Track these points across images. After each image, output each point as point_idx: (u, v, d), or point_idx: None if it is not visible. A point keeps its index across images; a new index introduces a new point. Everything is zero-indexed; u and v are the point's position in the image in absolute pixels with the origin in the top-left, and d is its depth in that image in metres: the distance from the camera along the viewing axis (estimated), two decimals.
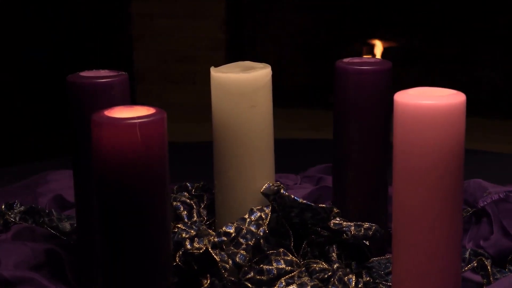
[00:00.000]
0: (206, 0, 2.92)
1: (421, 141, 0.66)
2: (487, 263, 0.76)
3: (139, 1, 2.98)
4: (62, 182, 1.01)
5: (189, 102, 2.97)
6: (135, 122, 0.60)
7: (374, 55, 2.94)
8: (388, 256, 0.81)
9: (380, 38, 2.94)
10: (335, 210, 0.73)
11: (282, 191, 0.72)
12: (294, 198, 0.72)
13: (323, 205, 0.72)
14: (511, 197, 0.85)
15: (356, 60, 0.83)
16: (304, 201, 0.72)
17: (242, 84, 0.70)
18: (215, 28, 2.94)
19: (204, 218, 0.78)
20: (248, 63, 0.74)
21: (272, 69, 0.73)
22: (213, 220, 0.78)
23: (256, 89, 0.70)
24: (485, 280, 0.76)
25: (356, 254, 0.76)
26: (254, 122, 0.71)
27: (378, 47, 2.92)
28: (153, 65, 3.00)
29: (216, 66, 0.73)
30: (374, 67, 0.80)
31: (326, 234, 0.75)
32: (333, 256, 0.74)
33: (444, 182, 0.66)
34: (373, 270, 0.77)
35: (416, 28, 2.93)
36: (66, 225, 0.86)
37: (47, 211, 0.88)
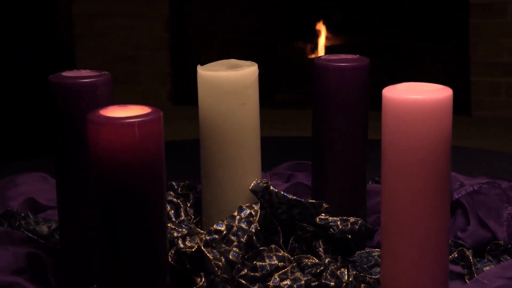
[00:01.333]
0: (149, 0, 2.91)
1: (410, 135, 0.67)
2: (469, 253, 0.78)
3: (81, 1, 2.94)
4: (32, 185, 0.99)
5: (134, 103, 2.95)
6: (134, 121, 0.60)
7: (317, 53, 2.97)
8: (368, 250, 0.83)
9: (323, 36, 2.97)
10: (325, 205, 0.74)
11: (271, 187, 0.72)
12: (283, 194, 0.72)
13: (313, 201, 0.73)
14: (483, 189, 0.87)
15: (333, 57, 0.84)
16: (294, 197, 0.72)
17: (232, 82, 0.70)
18: (158, 27, 2.92)
19: (191, 217, 0.77)
20: (233, 61, 0.74)
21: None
22: (199, 218, 0.78)
23: (245, 86, 0.70)
24: (466, 270, 0.78)
25: (341, 249, 0.77)
26: (244, 119, 0.71)
27: (321, 45, 2.95)
28: (96, 65, 2.96)
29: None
30: (354, 64, 0.81)
31: (312, 229, 0.76)
32: (320, 251, 0.75)
33: (432, 174, 0.68)
34: (357, 264, 0.78)
35: (358, 26, 2.97)
36: (44, 228, 0.85)
37: (22, 214, 0.87)
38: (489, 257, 0.80)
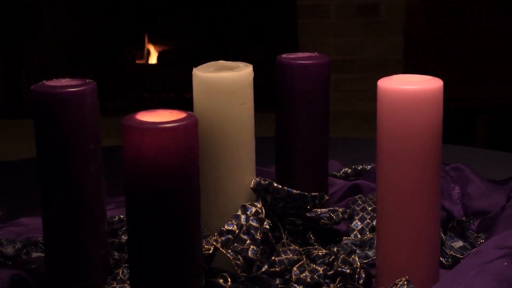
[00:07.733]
0: None
1: (404, 123, 0.72)
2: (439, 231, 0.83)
3: None
4: None
5: None
6: (180, 125, 0.59)
7: (149, 58, 2.96)
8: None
9: (152, 42, 2.96)
10: (326, 197, 0.76)
11: (274, 184, 0.73)
12: (287, 189, 0.74)
13: (315, 194, 0.75)
14: None
15: (292, 55, 0.86)
16: (298, 192, 0.74)
17: (233, 82, 0.70)
18: None
19: None
20: (221, 62, 0.74)
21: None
22: None
23: (245, 86, 0.71)
24: None
25: (328, 239, 0.80)
26: (243, 119, 0.72)
27: (153, 51, 2.95)
28: None
29: None
30: (317, 61, 0.84)
31: (300, 222, 0.78)
32: (313, 242, 0.77)
33: (426, 160, 0.72)
34: None
35: (185, 30, 3.00)
36: (9, 249, 0.81)
37: None
38: (451, 234, 0.86)
